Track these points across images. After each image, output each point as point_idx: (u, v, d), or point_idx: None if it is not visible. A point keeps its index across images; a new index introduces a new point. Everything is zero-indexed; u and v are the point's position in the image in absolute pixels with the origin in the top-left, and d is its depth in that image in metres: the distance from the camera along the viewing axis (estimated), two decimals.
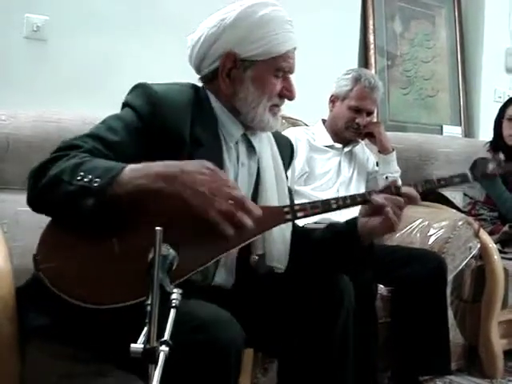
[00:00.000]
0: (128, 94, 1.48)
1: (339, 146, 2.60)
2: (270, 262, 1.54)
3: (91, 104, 2.40)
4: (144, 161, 1.28)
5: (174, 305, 1.00)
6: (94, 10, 2.54)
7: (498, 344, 2.69)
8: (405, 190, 1.52)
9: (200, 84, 1.59)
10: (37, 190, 1.28)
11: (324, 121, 2.67)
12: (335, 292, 1.52)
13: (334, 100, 2.61)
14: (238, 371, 1.28)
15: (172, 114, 1.42)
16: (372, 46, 3.62)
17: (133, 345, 0.91)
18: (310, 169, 2.47)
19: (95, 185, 1.21)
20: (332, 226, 1.65)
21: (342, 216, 2.46)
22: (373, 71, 3.42)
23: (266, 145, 1.63)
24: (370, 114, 2.60)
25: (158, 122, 1.40)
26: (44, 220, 1.99)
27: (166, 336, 0.93)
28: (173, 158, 1.33)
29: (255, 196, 1.58)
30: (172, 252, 1.12)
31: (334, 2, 3.19)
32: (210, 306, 1.30)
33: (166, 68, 2.61)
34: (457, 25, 4.05)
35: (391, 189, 1.52)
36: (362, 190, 2.65)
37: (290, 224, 1.57)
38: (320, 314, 1.50)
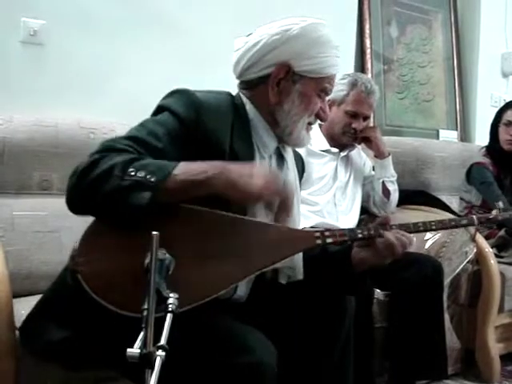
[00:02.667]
0: (166, 98, 1.45)
1: (336, 150, 2.59)
2: (297, 276, 1.56)
3: (88, 108, 2.41)
4: None
5: (170, 309, 1.00)
6: (90, 14, 2.53)
7: (495, 348, 2.69)
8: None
9: (236, 90, 1.58)
10: (83, 186, 1.24)
11: (320, 125, 2.66)
12: (338, 306, 1.56)
13: (330, 105, 2.59)
14: None
15: (214, 124, 1.40)
16: (368, 51, 3.61)
17: (129, 349, 0.91)
18: (306, 173, 2.47)
19: (152, 180, 1.20)
20: (325, 250, 1.67)
21: (338, 222, 2.47)
22: (369, 76, 3.42)
23: (291, 159, 1.65)
24: (366, 118, 2.60)
25: (201, 130, 1.38)
26: (39, 225, 2.00)
27: (163, 341, 0.93)
28: None
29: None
30: (168, 256, 1.12)
31: (330, 6, 3.18)
32: (249, 328, 1.33)
33: (163, 72, 2.62)
34: (453, 29, 4.06)
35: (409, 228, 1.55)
36: (359, 195, 2.65)
37: None
38: (323, 324, 1.53)
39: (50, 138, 2.13)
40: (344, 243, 1.51)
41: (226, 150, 1.41)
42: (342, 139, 2.58)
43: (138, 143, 1.32)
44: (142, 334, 0.93)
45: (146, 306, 0.95)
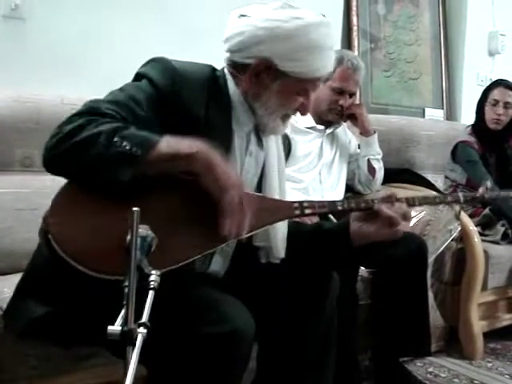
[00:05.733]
0: (144, 66, 1.45)
1: (321, 127, 2.58)
2: (277, 254, 1.55)
3: (70, 84, 2.37)
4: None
5: (152, 286, 0.99)
6: None
7: (478, 326, 2.71)
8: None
9: (225, 58, 1.55)
10: (65, 148, 1.22)
11: None
12: (322, 282, 1.56)
13: None
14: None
15: (189, 93, 1.40)
16: (355, 28, 3.59)
17: (110, 327, 0.91)
18: (292, 150, 2.46)
19: (137, 153, 1.21)
20: (321, 226, 1.66)
21: (323, 199, 2.47)
22: (356, 54, 3.40)
23: (272, 137, 1.62)
24: (352, 95, 2.60)
25: (176, 99, 1.38)
26: (22, 202, 1.98)
27: (144, 318, 0.92)
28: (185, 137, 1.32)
29: (260, 185, 1.59)
30: (151, 233, 1.11)
31: None
32: (226, 296, 1.33)
33: (146, 47, 2.58)
34: (440, 8, 4.04)
35: (392, 199, 1.52)
36: (344, 172, 2.65)
37: None
38: (307, 300, 1.53)
39: (32, 114, 2.10)
40: (324, 214, 1.51)
41: (201, 121, 1.41)
42: (328, 116, 2.58)
43: (121, 108, 1.31)
44: (123, 311, 0.92)
45: (126, 283, 0.94)
